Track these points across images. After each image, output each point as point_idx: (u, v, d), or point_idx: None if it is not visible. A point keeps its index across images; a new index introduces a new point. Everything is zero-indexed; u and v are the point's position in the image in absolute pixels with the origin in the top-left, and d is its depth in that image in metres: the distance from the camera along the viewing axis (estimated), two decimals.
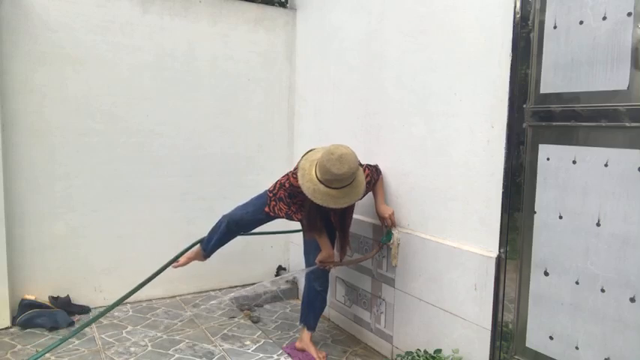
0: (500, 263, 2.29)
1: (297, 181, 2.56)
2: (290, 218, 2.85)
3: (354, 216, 3.07)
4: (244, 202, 3.03)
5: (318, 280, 2.92)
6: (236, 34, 3.80)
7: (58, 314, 3.19)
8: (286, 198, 2.78)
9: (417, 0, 2.71)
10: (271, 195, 2.87)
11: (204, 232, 3.82)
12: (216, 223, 3.10)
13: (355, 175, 2.48)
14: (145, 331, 3.16)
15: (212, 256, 3.88)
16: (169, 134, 3.63)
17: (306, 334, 2.93)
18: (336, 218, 2.82)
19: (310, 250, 2.92)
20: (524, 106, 2.13)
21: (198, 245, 3.22)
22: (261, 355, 2.91)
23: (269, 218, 2.95)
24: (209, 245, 3.15)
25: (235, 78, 3.83)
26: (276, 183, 2.89)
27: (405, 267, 2.80)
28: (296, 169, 2.70)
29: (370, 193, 2.87)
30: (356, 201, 2.60)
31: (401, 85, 2.85)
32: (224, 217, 3.05)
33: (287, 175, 2.88)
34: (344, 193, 2.47)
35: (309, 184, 2.44)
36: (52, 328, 3.11)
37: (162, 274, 3.71)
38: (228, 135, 3.85)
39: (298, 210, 2.76)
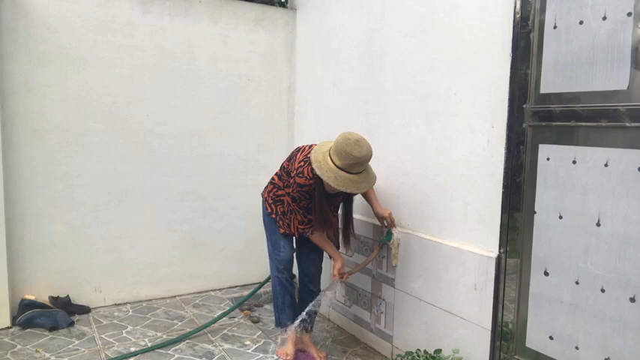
0: (500, 263, 2.29)
1: (305, 180, 2.55)
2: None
3: (356, 216, 3.07)
4: (269, 248, 2.90)
5: (312, 282, 2.92)
6: (236, 34, 3.80)
7: (58, 314, 3.20)
8: (297, 207, 2.67)
9: (417, 0, 2.72)
10: (276, 217, 2.82)
11: (203, 231, 3.85)
12: (274, 293, 2.93)
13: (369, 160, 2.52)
14: (145, 331, 3.16)
15: (212, 256, 3.91)
16: (169, 134, 3.63)
17: (305, 335, 2.93)
18: (337, 211, 2.81)
19: (304, 253, 2.91)
20: (524, 106, 2.13)
21: (286, 330, 2.89)
22: (261, 355, 2.91)
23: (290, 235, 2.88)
24: (285, 315, 2.89)
25: (235, 78, 3.83)
26: (272, 205, 2.83)
27: (405, 267, 2.80)
28: (291, 170, 2.69)
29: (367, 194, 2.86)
30: (372, 186, 2.62)
31: (401, 85, 2.85)
32: (274, 278, 2.90)
33: (273, 184, 2.85)
34: (363, 177, 2.50)
35: (330, 173, 2.43)
36: (52, 328, 3.11)
37: (162, 273, 3.74)
38: (228, 135, 3.85)
39: (306, 212, 2.67)
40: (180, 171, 3.71)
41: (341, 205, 2.85)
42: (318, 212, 2.61)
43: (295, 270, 3.03)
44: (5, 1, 3.07)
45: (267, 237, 2.92)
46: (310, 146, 2.75)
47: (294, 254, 2.96)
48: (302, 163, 2.62)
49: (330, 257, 2.81)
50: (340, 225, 2.87)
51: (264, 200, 2.90)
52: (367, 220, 3.06)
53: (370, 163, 2.60)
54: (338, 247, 2.88)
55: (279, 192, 2.81)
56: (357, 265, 2.96)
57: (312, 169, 2.50)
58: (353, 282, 3.23)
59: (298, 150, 2.78)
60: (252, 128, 3.95)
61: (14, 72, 3.12)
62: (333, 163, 2.45)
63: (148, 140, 3.57)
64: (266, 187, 2.93)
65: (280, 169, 2.85)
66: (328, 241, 2.79)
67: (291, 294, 2.90)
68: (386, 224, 2.81)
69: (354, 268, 2.93)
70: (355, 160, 2.41)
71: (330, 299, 2.82)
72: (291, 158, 2.79)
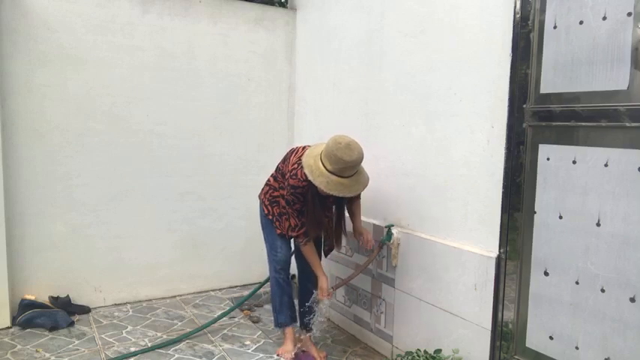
0: (500, 263, 2.29)
1: (299, 182, 2.55)
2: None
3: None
4: (267, 248, 2.91)
5: (311, 282, 2.91)
6: (236, 34, 3.80)
7: (58, 314, 3.20)
8: (291, 210, 2.65)
9: (417, 0, 2.72)
10: (273, 218, 2.83)
11: (203, 231, 3.85)
12: (272, 294, 2.94)
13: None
14: (145, 331, 3.16)
15: (212, 256, 3.91)
16: (169, 134, 3.63)
17: (305, 335, 2.93)
18: (331, 212, 2.80)
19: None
20: (524, 106, 2.13)
21: (285, 330, 2.93)
22: (261, 355, 2.91)
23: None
24: (283, 315, 2.90)
25: (235, 78, 3.83)
26: (268, 206, 2.84)
27: (405, 267, 2.80)
28: (285, 172, 2.69)
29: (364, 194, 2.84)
30: (364, 188, 2.61)
31: (401, 85, 2.85)
32: (271, 278, 2.91)
33: (269, 185, 2.86)
34: (355, 180, 2.50)
35: (322, 178, 2.43)
36: (52, 328, 3.11)
37: (162, 273, 3.74)
38: (228, 135, 3.85)
39: (299, 215, 2.65)
40: (180, 171, 3.71)
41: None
42: (311, 214, 2.62)
43: (294, 270, 3.03)
44: (5, 1, 3.07)
45: (264, 238, 2.93)
46: (304, 147, 2.75)
47: (293, 254, 2.96)
48: (295, 166, 2.62)
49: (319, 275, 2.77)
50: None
51: (261, 202, 2.91)
52: (367, 220, 3.06)
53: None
54: (332, 248, 2.89)
55: (275, 193, 2.81)
56: (353, 274, 2.95)
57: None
58: (353, 282, 3.22)
59: (292, 152, 2.78)
60: (252, 128, 3.95)
61: (14, 72, 3.12)
62: (325, 167, 2.45)
63: (148, 140, 3.57)
64: (262, 188, 2.94)
65: (276, 171, 2.86)
66: (317, 257, 2.76)
67: (288, 294, 2.90)
68: (360, 243, 2.81)
69: (348, 278, 2.93)
70: (346, 165, 2.41)
71: (321, 314, 2.80)
72: (285, 160, 2.80)
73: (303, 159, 2.54)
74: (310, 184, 2.52)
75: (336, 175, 2.43)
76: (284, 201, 2.68)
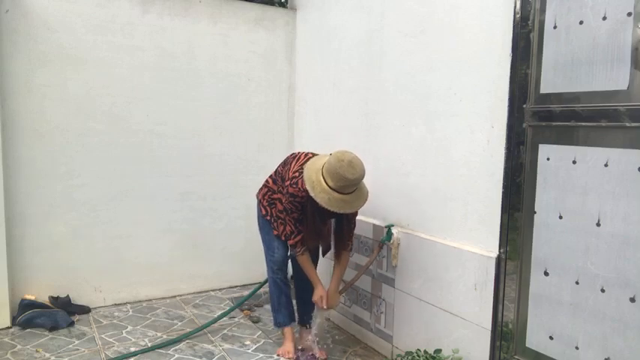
0: (500, 263, 2.29)
1: (299, 191, 2.54)
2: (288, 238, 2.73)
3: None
4: (264, 249, 2.93)
5: (306, 282, 2.91)
6: (236, 34, 3.80)
7: (58, 314, 3.20)
8: (288, 217, 2.65)
9: (417, 0, 2.72)
10: (271, 219, 2.84)
11: (203, 231, 3.85)
12: (270, 294, 2.95)
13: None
14: (145, 331, 3.16)
15: (212, 256, 3.91)
16: (169, 134, 3.63)
17: (305, 332, 2.94)
18: (329, 221, 2.80)
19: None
20: (524, 106, 2.13)
21: (284, 330, 2.94)
22: (261, 355, 2.91)
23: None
24: (281, 315, 2.92)
25: (235, 78, 3.83)
26: (267, 207, 2.85)
27: (405, 267, 2.80)
28: (285, 178, 2.69)
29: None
30: (364, 203, 2.60)
31: (401, 85, 2.85)
32: (269, 279, 2.92)
33: (267, 187, 2.86)
34: (355, 196, 2.49)
35: (323, 195, 2.42)
36: (52, 328, 3.11)
37: (162, 273, 3.74)
38: (228, 135, 3.85)
39: (297, 223, 2.64)
40: (180, 171, 3.71)
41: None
42: (310, 224, 2.62)
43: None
44: (5, 1, 3.07)
45: (261, 238, 2.94)
46: (306, 155, 2.75)
47: (289, 254, 2.95)
48: (297, 174, 2.62)
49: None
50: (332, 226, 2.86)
51: (259, 202, 2.91)
52: (367, 220, 3.06)
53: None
54: (329, 248, 2.88)
55: (274, 195, 2.82)
56: (354, 278, 2.94)
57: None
58: None
59: (294, 157, 2.78)
60: (252, 128, 3.95)
61: (14, 72, 3.12)
62: (326, 183, 2.44)
63: (148, 140, 3.57)
64: (260, 189, 2.93)
65: (275, 174, 2.86)
66: (313, 267, 2.78)
67: (286, 294, 2.91)
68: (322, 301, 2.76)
69: (350, 282, 2.92)
70: (348, 182, 2.40)
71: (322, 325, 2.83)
72: (285, 164, 2.79)
73: (305, 172, 2.52)
74: (309, 195, 2.51)
75: (338, 192, 2.43)
76: (282, 206, 2.68)
